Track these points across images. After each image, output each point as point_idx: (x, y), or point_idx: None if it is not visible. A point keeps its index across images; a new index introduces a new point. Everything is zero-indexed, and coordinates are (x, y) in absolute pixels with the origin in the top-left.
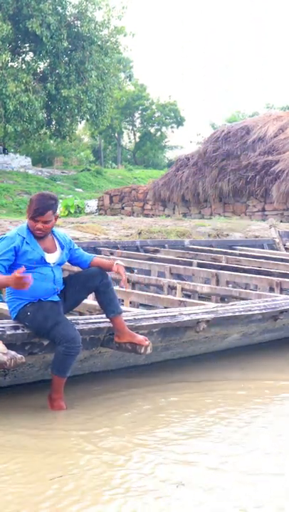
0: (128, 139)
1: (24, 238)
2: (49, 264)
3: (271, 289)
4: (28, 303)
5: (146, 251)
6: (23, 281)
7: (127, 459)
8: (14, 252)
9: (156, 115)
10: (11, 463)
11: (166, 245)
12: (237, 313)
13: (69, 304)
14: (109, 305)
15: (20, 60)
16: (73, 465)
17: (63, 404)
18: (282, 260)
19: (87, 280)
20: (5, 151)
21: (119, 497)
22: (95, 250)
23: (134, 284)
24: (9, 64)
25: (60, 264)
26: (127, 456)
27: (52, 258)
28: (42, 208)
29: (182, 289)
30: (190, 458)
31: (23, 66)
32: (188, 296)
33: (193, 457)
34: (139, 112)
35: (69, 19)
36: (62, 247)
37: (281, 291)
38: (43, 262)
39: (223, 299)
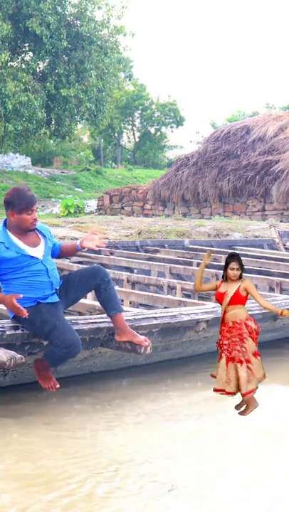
0: (128, 139)
1: (3, 243)
2: (38, 258)
3: (271, 289)
4: (27, 307)
5: (146, 251)
6: (17, 311)
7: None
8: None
9: (155, 115)
10: None
11: (166, 245)
12: None
13: (69, 301)
14: (109, 303)
15: (19, 59)
16: None
17: (54, 379)
18: (282, 260)
19: (88, 278)
20: None
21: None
22: (95, 250)
23: (134, 284)
24: (9, 63)
25: (48, 255)
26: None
27: (39, 252)
28: (33, 198)
29: (182, 289)
30: None
31: (23, 66)
32: (188, 296)
33: None
34: (139, 111)
35: (69, 19)
36: (44, 236)
37: (281, 291)
38: (28, 257)
39: None
